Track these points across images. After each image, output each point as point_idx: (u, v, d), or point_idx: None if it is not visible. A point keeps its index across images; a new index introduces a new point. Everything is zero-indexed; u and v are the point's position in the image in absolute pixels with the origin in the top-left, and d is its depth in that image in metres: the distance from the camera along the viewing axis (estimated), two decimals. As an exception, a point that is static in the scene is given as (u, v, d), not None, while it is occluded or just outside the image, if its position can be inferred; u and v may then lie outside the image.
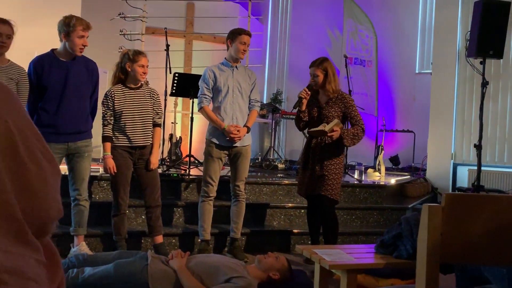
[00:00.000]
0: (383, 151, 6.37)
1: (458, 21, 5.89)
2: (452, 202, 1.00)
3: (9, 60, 3.13)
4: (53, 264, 1.05)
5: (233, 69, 3.55)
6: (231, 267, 2.67)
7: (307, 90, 3.43)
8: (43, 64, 3.13)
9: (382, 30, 7.66)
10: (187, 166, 4.53)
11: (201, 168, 4.98)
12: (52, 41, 6.10)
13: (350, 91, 5.14)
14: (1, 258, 0.91)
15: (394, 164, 7.44)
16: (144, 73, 3.35)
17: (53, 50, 3.21)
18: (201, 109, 3.56)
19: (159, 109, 3.48)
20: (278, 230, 4.12)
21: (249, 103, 3.62)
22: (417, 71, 7.77)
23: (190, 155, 4.50)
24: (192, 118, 4.50)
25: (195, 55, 7.57)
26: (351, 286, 1.80)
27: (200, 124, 7.24)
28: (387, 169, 6.87)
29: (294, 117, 6.70)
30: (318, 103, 3.49)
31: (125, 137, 3.30)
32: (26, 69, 3.20)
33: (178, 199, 4.14)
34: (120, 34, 6.09)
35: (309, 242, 3.84)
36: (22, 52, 5.05)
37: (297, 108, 3.50)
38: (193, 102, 4.56)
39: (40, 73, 3.12)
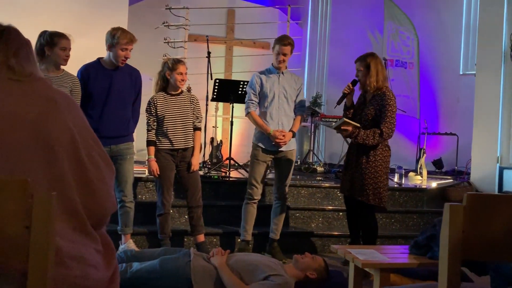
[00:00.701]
0: (425, 154, 6.27)
1: (504, 20, 5.72)
2: (474, 202, 1.05)
3: (63, 69, 3.36)
4: (108, 252, 1.19)
5: (279, 75, 3.64)
6: (269, 266, 2.76)
7: (350, 85, 3.42)
8: (89, 72, 3.36)
9: (424, 31, 7.54)
10: (227, 169, 4.67)
11: (241, 170, 5.13)
12: (102, 51, 6.44)
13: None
14: (67, 247, 1.06)
15: (438, 168, 7.30)
16: (183, 80, 3.53)
17: (99, 59, 3.44)
18: (248, 114, 3.69)
19: (199, 113, 3.66)
20: (316, 232, 4.17)
21: (295, 108, 3.70)
22: (461, 72, 7.58)
23: (230, 158, 4.64)
24: (232, 122, 4.64)
25: (235, 60, 7.75)
26: (384, 285, 1.85)
27: (240, 128, 7.40)
28: (429, 172, 6.74)
29: (333, 120, 6.77)
30: (365, 100, 3.44)
31: (168, 141, 3.49)
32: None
33: (219, 200, 4.28)
34: (164, 42, 6.36)
35: (347, 244, 3.88)
36: (74, 62, 5.39)
37: (340, 104, 3.50)
38: (233, 107, 4.70)
39: (86, 80, 3.34)
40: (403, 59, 7.44)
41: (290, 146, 3.67)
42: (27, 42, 1.24)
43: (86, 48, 5.85)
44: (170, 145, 3.50)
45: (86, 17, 6.15)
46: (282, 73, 3.64)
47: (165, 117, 3.49)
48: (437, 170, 7.23)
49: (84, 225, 1.12)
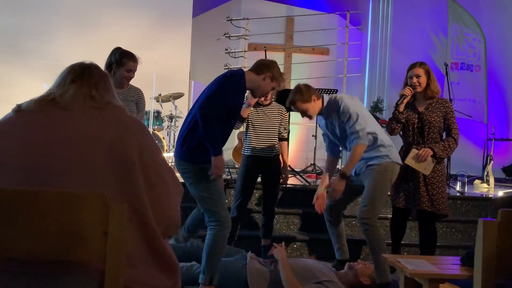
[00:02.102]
0: (492, 161, 6.00)
1: None
2: (508, 218, 1.09)
3: (128, 83, 3.50)
4: (172, 264, 1.35)
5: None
6: (323, 272, 2.86)
7: (411, 88, 3.26)
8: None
9: (492, 32, 7.20)
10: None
11: (298, 177, 5.22)
12: (167, 64, 6.81)
13: (450, 100, 4.98)
14: (136, 251, 1.24)
15: (508, 175, 6.93)
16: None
17: (243, 72, 2.91)
18: None
19: (286, 124, 3.80)
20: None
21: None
22: (534, 74, 7.16)
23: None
24: (288, 130, 4.75)
25: (294, 67, 7.86)
26: (433, 295, 1.88)
27: (297, 134, 7.49)
28: (499, 180, 6.43)
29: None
30: (415, 109, 3.30)
31: (253, 149, 3.64)
32: (143, 90, 3.63)
33: (276, 207, 4.39)
34: (225, 53, 6.62)
35: (405, 253, 3.85)
36: (140, 75, 5.77)
37: (400, 105, 3.30)
38: (289, 115, 4.82)
39: (229, 92, 2.76)
40: (468, 61, 7.16)
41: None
42: (105, 75, 1.48)
43: (152, 61, 6.25)
44: (255, 153, 3.65)
45: (152, 30, 6.57)
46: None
47: (254, 126, 3.66)
48: (507, 178, 6.87)
49: (152, 235, 1.30)
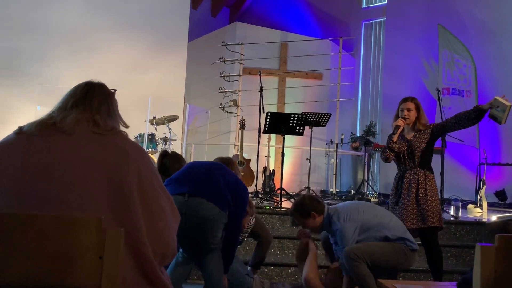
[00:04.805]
0: (485, 186, 6.03)
1: None
2: (506, 243, 1.09)
3: None
4: None
5: None
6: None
7: (404, 119, 3.49)
8: None
9: (482, 58, 7.36)
10: (279, 199, 4.78)
11: (292, 201, 5.21)
12: (162, 87, 6.83)
13: (443, 124, 5.04)
14: (131, 278, 1.22)
15: (501, 200, 6.96)
16: None
17: None
18: None
19: None
20: (368, 264, 4.14)
21: None
22: (524, 100, 7.27)
23: (281, 188, 4.75)
24: (283, 154, 4.77)
25: (288, 91, 7.94)
26: (430, 321, 1.86)
27: (292, 157, 7.50)
28: (491, 204, 6.45)
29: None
30: (405, 138, 3.56)
31: None
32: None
33: (270, 231, 4.37)
34: (220, 76, 6.68)
35: (400, 278, 3.81)
36: (136, 97, 5.80)
37: (390, 137, 3.53)
38: (284, 139, 4.84)
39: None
40: (459, 87, 7.28)
41: None
42: (109, 96, 1.46)
43: (147, 84, 6.30)
44: None
45: (148, 54, 6.62)
46: None
47: None
48: (500, 202, 6.90)
49: (147, 262, 1.27)
